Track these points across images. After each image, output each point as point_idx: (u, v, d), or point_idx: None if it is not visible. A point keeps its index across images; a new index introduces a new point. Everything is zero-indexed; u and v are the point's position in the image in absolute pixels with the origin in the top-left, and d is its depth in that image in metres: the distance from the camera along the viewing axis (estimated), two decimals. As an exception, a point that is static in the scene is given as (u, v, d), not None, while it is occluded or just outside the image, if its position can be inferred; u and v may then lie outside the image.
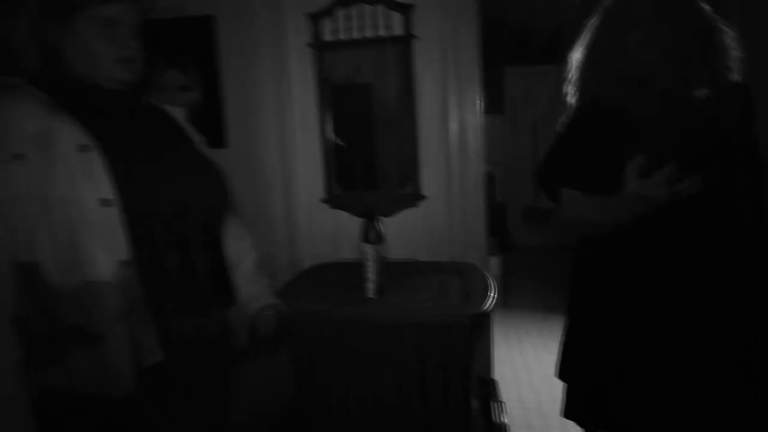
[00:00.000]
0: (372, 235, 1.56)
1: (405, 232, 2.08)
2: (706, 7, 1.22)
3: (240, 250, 1.28)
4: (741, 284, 1.17)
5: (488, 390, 1.93)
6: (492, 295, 1.50)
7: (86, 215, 0.94)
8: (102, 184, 0.96)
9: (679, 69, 1.18)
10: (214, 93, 2.14)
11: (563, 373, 1.33)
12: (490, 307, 1.44)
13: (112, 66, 1.03)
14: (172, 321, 1.05)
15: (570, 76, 1.31)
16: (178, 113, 1.26)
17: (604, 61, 1.24)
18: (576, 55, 1.30)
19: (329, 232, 2.16)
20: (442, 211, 2.08)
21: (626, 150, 1.13)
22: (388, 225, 2.00)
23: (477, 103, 2.03)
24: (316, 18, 2.03)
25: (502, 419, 1.81)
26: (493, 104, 5.58)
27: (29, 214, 0.94)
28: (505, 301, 4.34)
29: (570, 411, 1.32)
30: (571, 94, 1.30)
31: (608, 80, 1.23)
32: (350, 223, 2.08)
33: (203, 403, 1.18)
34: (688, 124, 1.19)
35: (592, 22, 1.28)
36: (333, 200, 2.14)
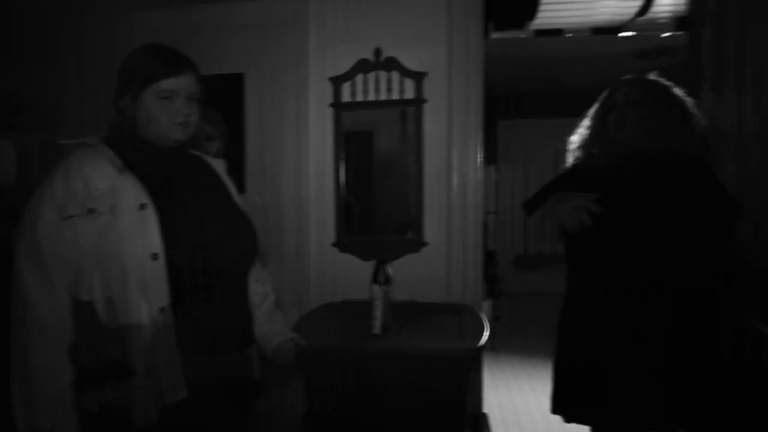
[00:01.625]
0: (381, 277, 1.73)
1: (406, 276, 2.26)
2: (680, 92, 1.57)
3: (262, 291, 1.42)
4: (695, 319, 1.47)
5: (479, 422, 2.08)
6: (485, 333, 1.67)
7: (137, 267, 1.09)
8: (153, 240, 1.11)
9: (645, 143, 1.52)
10: (238, 143, 2.36)
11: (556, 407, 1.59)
12: (484, 344, 1.62)
13: (170, 129, 1.20)
14: (198, 360, 1.17)
15: (573, 145, 1.70)
16: (220, 165, 1.43)
17: (594, 135, 1.63)
18: (579, 131, 1.69)
19: (337, 274, 2.34)
20: (442, 257, 2.27)
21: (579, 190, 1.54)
22: (392, 268, 2.19)
23: (478, 159, 2.25)
24: (337, 81, 2.28)
25: (493, 450, 1.95)
26: (487, 156, 5.86)
27: (93, 260, 1.09)
28: (494, 345, 4.48)
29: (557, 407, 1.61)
30: (572, 157, 1.70)
31: (594, 150, 1.61)
32: (357, 266, 2.27)
33: None
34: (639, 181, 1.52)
35: (592, 110, 1.67)
36: (342, 245, 2.33)
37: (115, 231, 1.10)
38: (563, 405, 1.63)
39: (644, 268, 1.49)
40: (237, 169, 2.36)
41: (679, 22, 2.53)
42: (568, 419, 1.62)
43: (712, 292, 1.54)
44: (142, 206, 1.12)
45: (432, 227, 2.28)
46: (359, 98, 2.27)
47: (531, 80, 5.05)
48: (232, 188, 1.40)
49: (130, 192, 1.13)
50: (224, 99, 2.37)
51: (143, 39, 1.28)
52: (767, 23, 2.02)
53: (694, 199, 1.50)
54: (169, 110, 1.19)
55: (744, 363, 1.55)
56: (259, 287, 1.43)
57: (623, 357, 1.50)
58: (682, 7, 2.49)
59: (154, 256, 1.10)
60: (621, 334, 1.51)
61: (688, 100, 1.60)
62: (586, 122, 1.69)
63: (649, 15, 2.48)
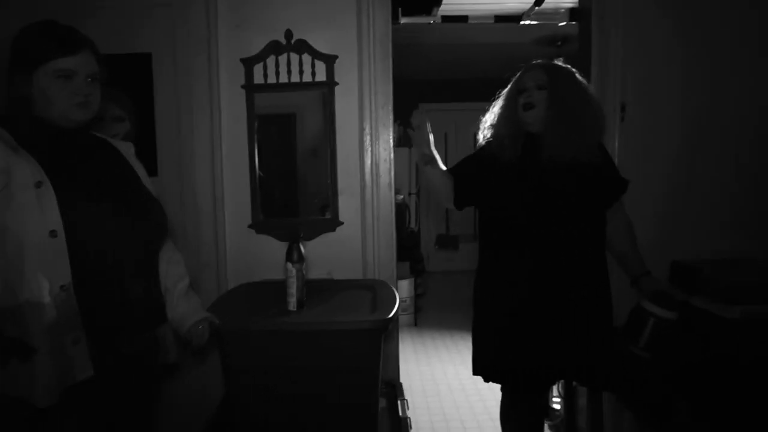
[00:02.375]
0: (295, 256, 1.78)
1: (323, 254, 2.33)
2: (581, 77, 1.72)
3: (174, 273, 1.44)
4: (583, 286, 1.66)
5: (395, 391, 2.20)
6: (396, 305, 1.77)
7: (36, 244, 1.09)
8: (52, 217, 1.11)
9: (553, 127, 1.65)
10: (149, 125, 2.31)
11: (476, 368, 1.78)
12: (394, 315, 1.71)
13: (69, 109, 1.18)
14: (105, 339, 1.19)
15: (484, 125, 1.83)
16: (127, 148, 1.42)
17: (504, 115, 1.75)
18: (491, 112, 1.81)
19: (253, 255, 2.36)
20: (357, 236, 2.35)
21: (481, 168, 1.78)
22: (308, 247, 2.25)
23: (390, 141, 2.34)
24: (249, 63, 2.28)
25: (406, 414, 2.07)
26: (407, 138, 6.01)
27: None
28: (416, 321, 4.66)
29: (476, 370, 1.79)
30: (482, 137, 1.83)
31: (504, 130, 1.74)
32: (273, 247, 2.31)
33: (130, 416, 1.30)
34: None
35: (505, 91, 1.79)
36: (258, 226, 2.35)
37: (9, 209, 1.08)
38: (481, 367, 1.77)
39: (545, 239, 1.64)
40: (149, 151, 2.31)
41: (572, 13, 2.73)
42: (486, 379, 1.77)
43: (604, 263, 1.73)
44: (38, 184, 1.11)
45: (347, 207, 2.36)
46: (272, 80, 2.28)
47: (447, 65, 5.22)
48: (141, 170, 1.40)
49: (26, 170, 1.11)
50: (133, 80, 2.30)
51: (40, 17, 1.24)
52: (636, 22, 2.24)
53: (592, 177, 1.67)
54: (68, 90, 1.17)
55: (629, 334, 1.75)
56: (173, 269, 1.45)
57: (527, 320, 1.66)
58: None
59: (53, 234, 1.10)
60: (524, 299, 1.67)
61: (589, 85, 1.76)
62: (498, 103, 1.80)
63: (546, 5, 2.65)
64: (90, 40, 1.23)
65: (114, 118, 2.31)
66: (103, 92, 1.26)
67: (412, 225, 5.45)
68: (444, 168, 1.82)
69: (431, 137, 1.76)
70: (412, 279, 4.60)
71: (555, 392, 2.59)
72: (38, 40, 1.18)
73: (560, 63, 1.76)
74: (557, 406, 2.57)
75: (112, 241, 1.20)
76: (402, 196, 5.26)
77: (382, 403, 2.05)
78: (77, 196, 1.17)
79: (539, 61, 1.77)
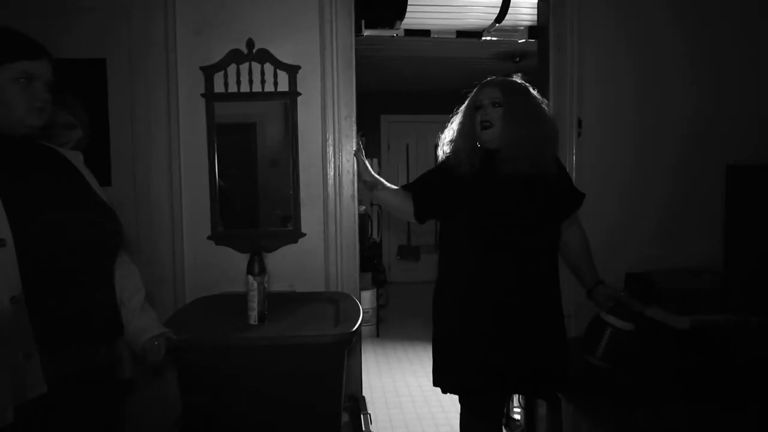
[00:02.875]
0: (256, 268, 1.75)
1: (285, 267, 2.29)
2: (536, 93, 1.78)
3: (129, 287, 1.39)
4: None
5: (357, 404, 2.17)
6: (360, 318, 1.75)
7: None
8: (0, 226, 1.06)
9: (509, 144, 1.69)
10: (102, 132, 2.22)
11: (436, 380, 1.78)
12: (357, 329, 1.70)
13: (27, 114, 1.15)
14: (58, 354, 1.13)
15: (443, 141, 1.87)
16: (76, 157, 1.38)
17: (461, 133, 1.79)
18: (449, 127, 1.85)
19: (213, 267, 2.30)
20: (319, 247, 2.33)
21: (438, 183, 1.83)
22: (270, 259, 2.21)
23: (352, 152, 2.33)
24: (209, 71, 2.23)
25: (369, 429, 2.05)
26: (371, 149, 6.03)
27: None
28: (378, 332, 4.65)
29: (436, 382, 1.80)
30: (442, 152, 1.87)
31: (462, 146, 1.77)
32: (233, 259, 2.25)
33: None
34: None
35: (462, 107, 1.82)
36: (218, 237, 2.29)
37: None
38: (439, 378, 1.78)
39: (501, 251, 1.67)
40: (102, 160, 2.22)
41: (531, 30, 2.81)
42: (444, 390, 1.78)
43: (557, 275, 1.77)
44: None
45: (310, 218, 2.33)
46: (233, 89, 2.24)
47: (408, 78, 5.27)
48: (92, 179, 1.36)
49: None
50: (86, 86, 2.22)
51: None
52: (592, 40, 2.33)
53: (548, 190, 1.71)
54: (27, 93, 1.15)
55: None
56: (128, 282, 1.40)
57: (481, 331, 1.68)
58: (535, 17, 2.77)
59: (1, 243, 1.05)
60: (479, 309, 1.69)
61: (543, 100, 1.81)
62: (456, 119, 1.84)
63: (506, 22, 2.72)
64: (47, 49, 1.21)
65: (65, 126, 2.22)
66: (54, 98, 1.23)
67: (375, 236, 5.44)
68: (392, 186, 1.96)
69: (367, 163, 1.99)
70: (374, 290, 4.59)
71: (516, 402, 2.62)
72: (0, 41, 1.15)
73: (516, 79, 1.82)
74: (518, 417, 2.60)
75: (65, 251, 1.16)
76: (364, 207, 5.26)
77: (345, 417, 2.02)
78: (26, 204, 1.12)
79: (494, 78, 1.81)
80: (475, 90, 1.81)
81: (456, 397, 1.83)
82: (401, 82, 5.57)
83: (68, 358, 1.16)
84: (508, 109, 1.70)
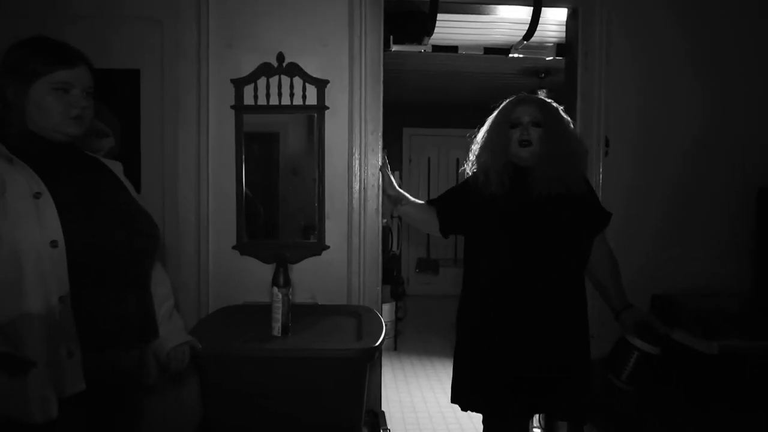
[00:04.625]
0: (281, 280, 1.76)
1: (308, 278, 2.30)
2: (566, 116, 1.77)
3: (160, 294, 1.41)
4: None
5: (377, 419, 2.16)
6: (382, 333, 1.75)
7: (33, 255, 1.07)
8: (53, 227, 1.10)
9: (545, 163, 1.68)
10: (134, 141, 2.27)
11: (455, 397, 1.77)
12: (381, 344, 1.69)
13: (64, 122, 1.18)
14: (99, 353, 1.17)
15: (472, 156, 1.84)
16: (117, 167, 1.41)
17: (493, 150, 1.75)
18: (477, 142, 1.82)
19: (237, 277, 2.32)
20: (342, 260, 2.33)
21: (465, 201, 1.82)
22: (293, 271, 2.22)
23: (378, 166, 2.34)
24: (239, 84, 2.27)
25: (388, 445, 2.04)
26: (393, 162, 6.05)
27: None
28: (396, 346, 4.62)
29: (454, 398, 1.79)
30: (469, 168, 1.85)
31: (494, 164, 1.74)
32: (257, 269, 2.27)
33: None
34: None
35: (491, 118, 1.79)
36: (243, 247, 2.32)
37: (5, 220, 1.06)
38: (460, 395, 1.76)
39: (529, 268, 1.66)
40: (133, 168, 2.27)
41: (559, 48, 2.81)
42: (464, 407, 1.76)
43: (584, 295, 1.75)
44: (37, 195, 1.11)
45: (333, 231, 2.34)
46: (262, 101, 2.28)
47: (431, 91, 5.29)
48: (130, 188, 1.40)
49: (23, 181, 1.11)
50: (119, 95, 2.27)
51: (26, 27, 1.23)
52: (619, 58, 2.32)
53: (577, 209, 1.70)
54: (64, 102, 1.17)
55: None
56: (159, 289, 1.43)
57: (506, 349, 1.66)
58: (562, 35, 2.77)
59: (54, 243, 1.09)
60: (504, 327, 1.67)
61: (571, 120, 1.80)
62: (485, 135, 1.81)
63: (534, 40, 2.73)
64: (85, 55, 1.24)
65: (98, 134, 2.28)
66: (93, 105, 1.26)
67: (395, 248, 5.44)
68: (416, 201, 1.97)
69: (392, 177, 2.01)
70: (393, 303, 4.57)
71: (536, 422, 2.58)
72: (36, 52, 1.18)
73: (545, 98, 1.82)
74: (538, 437, 2.55)
75: (109, 253, 1.19)
76: (386, 220, 5.27)
77: (364, 431, 2.01)
78: (74, 208, 1.16)
79: (528, 95, 1.80)
80: (504, 105, 1.79)
81: (475, 416, 1.81)
82: (424, 95, 5.59)
83: (107, 357, 1.20)
84: (547, 128, 1.70)
